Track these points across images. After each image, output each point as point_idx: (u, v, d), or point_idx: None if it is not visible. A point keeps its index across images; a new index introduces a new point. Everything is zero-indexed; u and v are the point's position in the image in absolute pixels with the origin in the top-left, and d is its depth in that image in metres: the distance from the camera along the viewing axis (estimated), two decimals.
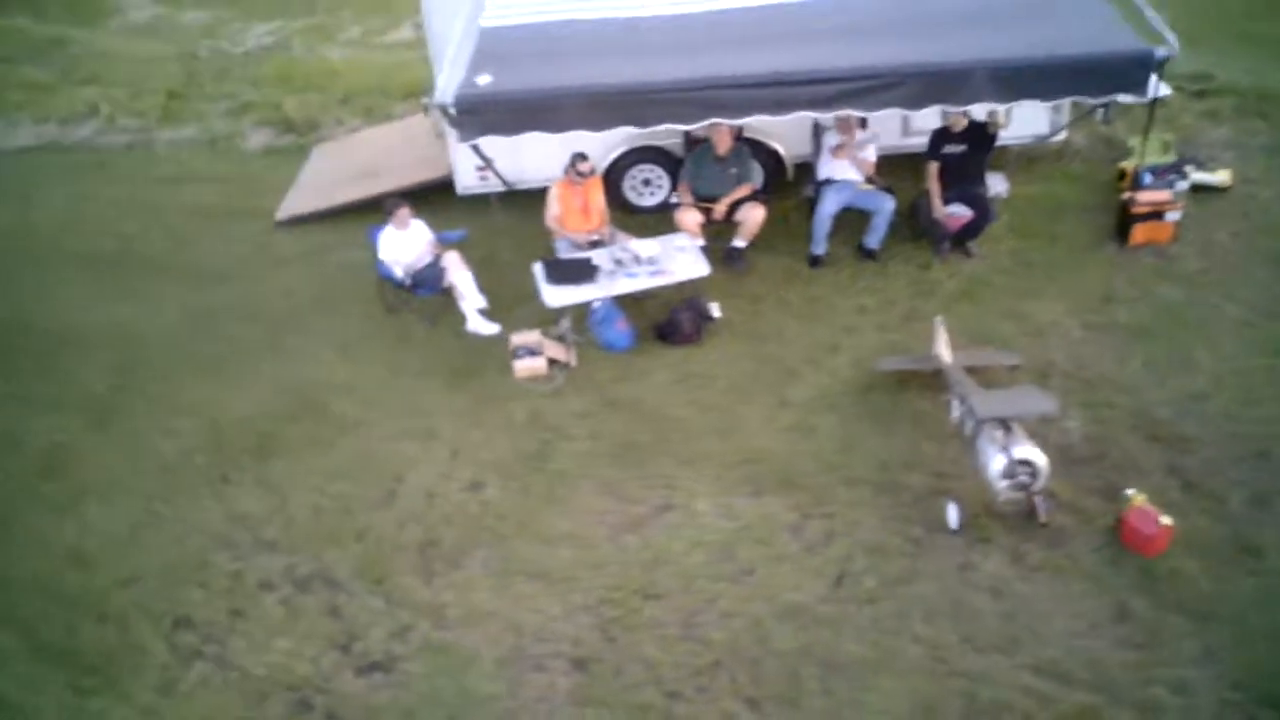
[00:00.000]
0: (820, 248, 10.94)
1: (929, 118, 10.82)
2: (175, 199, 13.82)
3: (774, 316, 10.26)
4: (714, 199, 10.80)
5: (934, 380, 9.04)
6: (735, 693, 6.76)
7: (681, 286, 10.00)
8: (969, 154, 10.73)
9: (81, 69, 18.11)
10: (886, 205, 10.75)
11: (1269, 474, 7.97)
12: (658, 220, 11.30)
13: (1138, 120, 12.32)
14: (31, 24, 19.83)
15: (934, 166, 10.80)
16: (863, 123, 10.96)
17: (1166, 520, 7.27)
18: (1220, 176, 11.43)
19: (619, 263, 9.92)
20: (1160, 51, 8.84)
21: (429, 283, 10.29)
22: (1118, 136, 12.51)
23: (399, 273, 10.31)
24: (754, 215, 10.71)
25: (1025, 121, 11.83)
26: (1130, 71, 8.98)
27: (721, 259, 10.65)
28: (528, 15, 10.26)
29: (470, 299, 10.30)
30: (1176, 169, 10.70)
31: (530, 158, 11.14)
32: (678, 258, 9.96)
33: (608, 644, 7.15)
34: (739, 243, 10.87)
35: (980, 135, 10.72)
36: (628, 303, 10.10)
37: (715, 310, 10.06)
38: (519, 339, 9.77)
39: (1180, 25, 9.30)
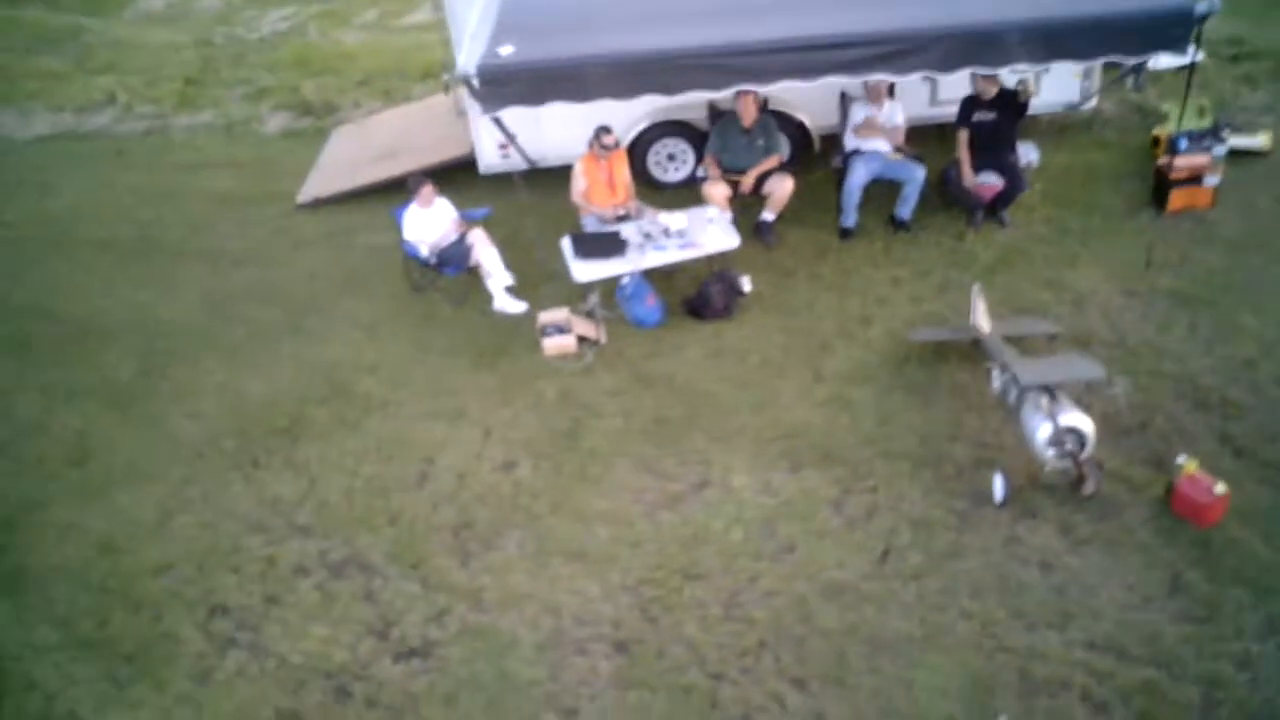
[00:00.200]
0: (850, 219, 10.75)
1: (956, 86, 10.67)
2: (193, 184, 13.71)
3: (805, 289, 10.08)
4: (741, 171, 10.61)
5: (972, 351, 8.88)
6: (781, 673, 6.61)
7: (711, 260, 9.85)
8: (1000, 122, 10.53)
9: (97, 58, 18.05)
10: (917, 174, 10.56)
11: None
12: (684, 196, 11.11)
13: (1169, 87, 12.28)
14: (46, 14, 19.78)
15: (964, 135, 10.60)
16: (890, 90, 10.76)
17: (1221, 488, 7.08)
18: (1259, 140, 11.21)
19: (648, 236, 9.75)
20: (1200, 6, 8.50)
21: (455, 261, 10.14)
22: (1149, 103, 12.33)
23: (424, 251, 10.15)
24: (783, 187, 10.52)
25: (1055, 89, 11.62)
26: (1169, 29, 8.69)
27: (751, 232, 10.47)
28: None
29: (497, 276, 10.15)
30: (1214, 133, 10.47)
31: (553, 135, 11.02)
32: (707, 230, 9.78)
33: (649, 625, 7.00)
34: (768, 215, 10.70)
35: (1011, 103, 10.50)
36: (656, 278, 9.93)
37: (746, 284, 9.88)
38: (547, 317, 9.61)
39: None
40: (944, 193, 10.95)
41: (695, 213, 10.03)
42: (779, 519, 7.66)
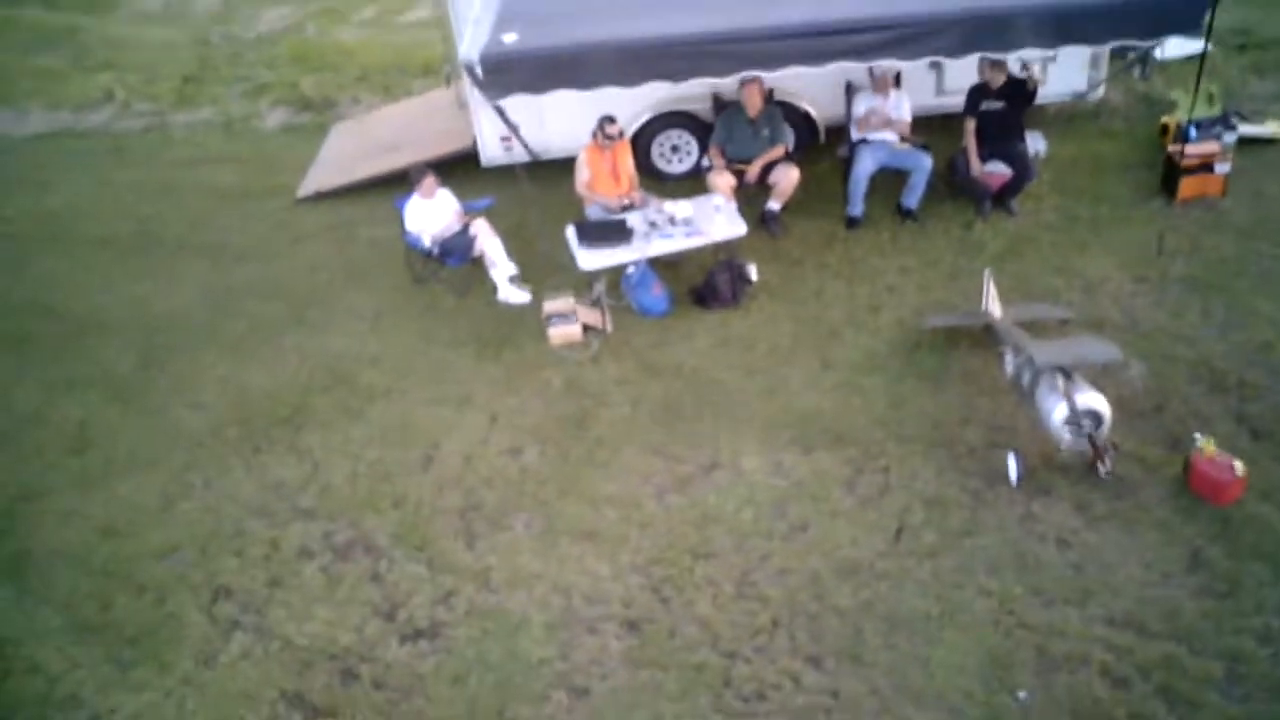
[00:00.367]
0: (857, 209, 10.67)
1: (962, 76, 10.60)
2: (193, 180, 13.60)
3: (813, 278, 9.99)
4: (746, 161, 10.53)
5: (983, 337, 8.80)
6: (795, 651, 6.50)
7: (717, 249, 9.74)
8: (1007, 110, 10.46)
9: (94, 56, 17.99)
10: (924, 163, 10.48)
11: None
12: (688, 188, 10.99)
13: (1175, 77, 12.22)
14: (43, 13, 19.72)
15: (971, 124, 10.53)
16: (897, 80, 10.70)
17: (1240, 466, 6.99)
18: (1270, 128, 11.16)
19: (653, 224, 9.65)
20: None
21: (458, 251, 10.05)
22: (1156, 92, 12.28)
23: (427, 242, 10.06)
24: (789, 176, 10.45)
25: (1062, 78, 11.51)
26: (1182, 9, 8.64)
27: (756, 222, 10.39)
28: None
29: (501, 266, 10.05)
30: (1223, 121, 10.41)
31: (555, 127, 10.94)
32: (714, 218, 9.67)
33: (660, 604, 6.90)
34: (774, 205, 10.62)
35: (1019, 91, 10.42)
36: (662, 269, 9.84)
37: (753, 272, 9.80)
38: (552, 306, 9.51)
39: None
40: (951, 182, 10.87)
41: (701, 201, 9.94)
42: (790, 499, 7.57)
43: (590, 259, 9.44)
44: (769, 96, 10.65)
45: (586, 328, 9.51)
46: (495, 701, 6.43)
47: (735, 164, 10.54)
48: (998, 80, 10.31)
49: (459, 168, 11.68)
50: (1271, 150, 10.99)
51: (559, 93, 8.98)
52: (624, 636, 6.72)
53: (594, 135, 10.09)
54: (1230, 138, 10.28)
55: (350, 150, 13.48)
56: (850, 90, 10.93)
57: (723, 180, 10.33)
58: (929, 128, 11.11)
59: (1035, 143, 11.28)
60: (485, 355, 9.49)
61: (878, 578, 6.89)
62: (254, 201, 12.80)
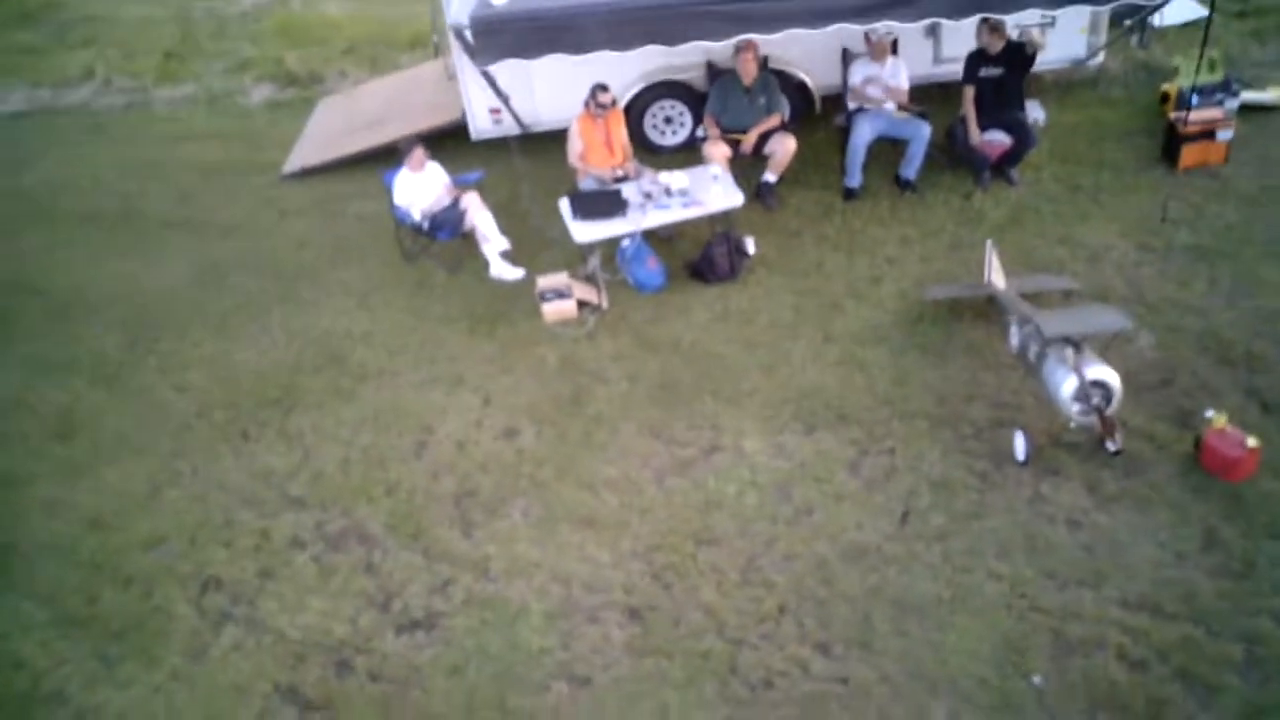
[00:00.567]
0: (855, 180, 10.46)
1: (960, 44, 10.38)
2: (177, 156, 13.31)
3: (813, 250, 9.80)
4: (741, 131, 10.30)
5: (987, 309, 8.63)
6: (803, 638, 6.35)
7: (714, 221, 9.53)
8: (1007, 77, 10.23)
9: (75, 33, 17.64)
10: (923, 132, 10.26)
11: None
12: (682, 159, 10.74)
13: (1173, 44, 12.01)
14: None
15: (970, 91, 10.31)
16: (894, 47, 10.47)
17: (1253, 442, 6.83)
18: (1271, 94, 10.97)
19: (648, 196, 9.41)
20: None
21: (448, 225, 9.82)
22: (1155, 60, 12.08)
23: (416, 216, 9.83)
24: (785, 146, 10.22)
25: (1061, 46, 11.29)
26: None
27: (752, 195, 10.17)
28: None
29: (493, 241, 9.82)
30: (1225, 87, 10.21)
31: (545, 98, 10.71)
32: (711, 188, 9.44)
33: (663, 591, 6.73)
34: (770, 176, 10.40)
35: (1018, 57, 10.17)
36: (658, 243, 9.67)
37: (751, 245, 9.61)
38: (545, 282, 9.30)
39: None
40: (950, 151, 10.65)
41: (697, 171, 9.71)
42: (794, 482, 7.40)
43: (585, 231, 9.20)
44: (764, 64, 10.42)
45: (582, 303, 9.31)
46: (495, 692, 6.27)
47: (730, 134, 10.31)
48: (996, 45, 10.08)
49: (448, 141, 11.41)
50: (1273, 117, 10.81)
51: (550, 60, 8.76)
52: (626, 625, 6.55)
53: (586, 105, 9.82)
54: (1233, 104, 10.10)
55: (337, 125, 13.20)
56: (847, 58, 10.71)
57: (718, 151, 10.11)
58: (927, 97, 10.87)
59: (1034, 111, 11.09)
60: (478, 332, 9.29)
61: (886, 562, 6.73)
62: (239, 177, 12.52)
